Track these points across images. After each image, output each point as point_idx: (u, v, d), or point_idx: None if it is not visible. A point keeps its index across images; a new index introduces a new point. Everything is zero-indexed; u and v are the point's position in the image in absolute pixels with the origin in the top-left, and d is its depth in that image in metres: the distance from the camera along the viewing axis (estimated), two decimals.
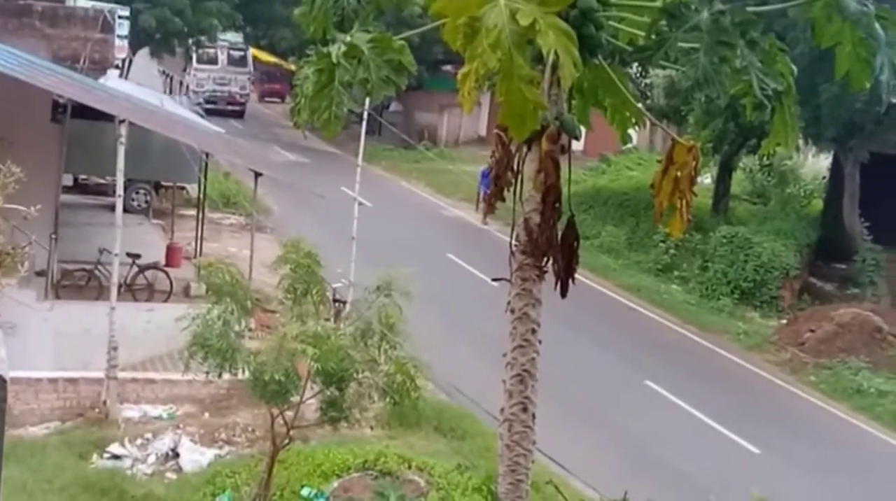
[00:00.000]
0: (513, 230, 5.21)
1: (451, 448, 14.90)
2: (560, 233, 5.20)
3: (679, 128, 27.60)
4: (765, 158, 31.12)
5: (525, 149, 5.15)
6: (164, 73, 49.68)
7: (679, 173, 5.40)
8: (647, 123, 6.25)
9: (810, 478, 15.96)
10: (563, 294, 5.18)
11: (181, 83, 49.64)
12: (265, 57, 54.27)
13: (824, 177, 30.47)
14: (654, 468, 15.76)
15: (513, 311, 5.19)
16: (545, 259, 5.10)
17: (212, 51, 49.73)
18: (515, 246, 5.21)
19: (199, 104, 41.03)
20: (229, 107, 48.68)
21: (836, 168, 27.92)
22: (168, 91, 44.68)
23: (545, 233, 4.95)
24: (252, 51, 52.44)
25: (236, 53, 50.94)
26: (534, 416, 4.98)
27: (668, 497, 13.11)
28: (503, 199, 5.41)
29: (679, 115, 27.87)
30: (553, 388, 17.10)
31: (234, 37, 50.86)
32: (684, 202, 5.46)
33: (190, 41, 45.26)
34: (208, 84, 49.49)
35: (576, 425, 17.03)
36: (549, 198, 4.92)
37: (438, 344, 18.00)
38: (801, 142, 26.99)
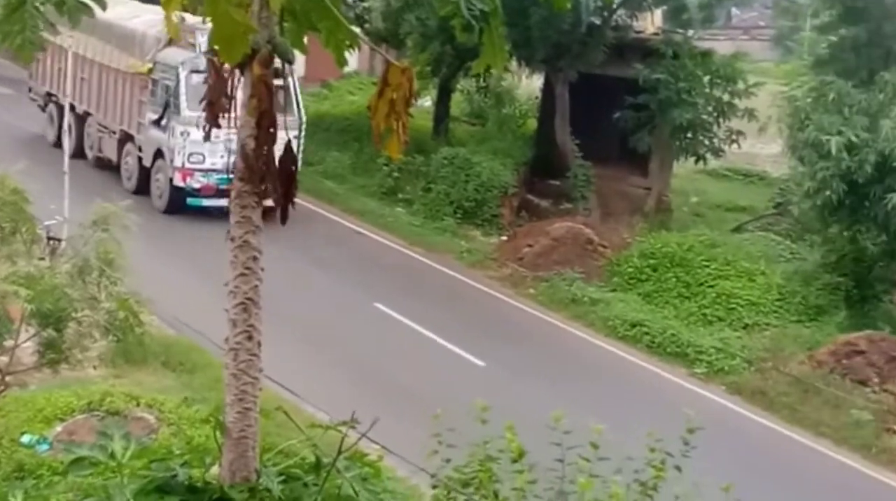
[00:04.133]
0: (228, 157, 5.10)
1: (181, 382, 14.66)
2: (278, 159, 5.13)
3: (398, 52, 27.84)
4: (482, 80, 31.95)
5: (238, 73, 5.02)
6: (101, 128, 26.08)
7: (394, 95, 5.42)
8: (368, 48, 6.25)
9: (532, 385, 16.79)
10: (283, 220, 5.14)
11: (131, 139, 24.87)
12: None
13: (537, 98, 31.64)
14: (384, 387, 16.12)
15: (233, 240, 5.09)
16: (263, 185, 5.02)
17: None
18: (233, 173, 5.10)
19: (190, 193, 23.02)
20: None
21: (547, 88, 29.03)
22: (116, 156, 25.35)
23: (261, 158, 4.87)
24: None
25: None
26: (259, 344, 4.93)
27: (397, 415, 13.44)
28: (219, 126, 5.29)
29: (397, 39, 28.07)
30: (282, 315, 17.09)
31: None
32: (401, 124, 5.49)
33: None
34: (214, 154, 22.33)
35: (306, 350, 17.13)
36: (263, 124, 4.83)
37: (162, 277, 17.57)
38: (514, 63, 27.88)
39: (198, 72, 21.61)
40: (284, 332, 16.70)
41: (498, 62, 5.39)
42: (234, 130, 18.20)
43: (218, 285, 5.14)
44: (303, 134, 24.21)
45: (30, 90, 29.32)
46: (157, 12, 25.63)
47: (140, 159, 24.43)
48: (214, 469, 4.86)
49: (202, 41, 20.88)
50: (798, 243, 24.68)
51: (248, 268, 5.01)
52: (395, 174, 27.37)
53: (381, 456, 6.38)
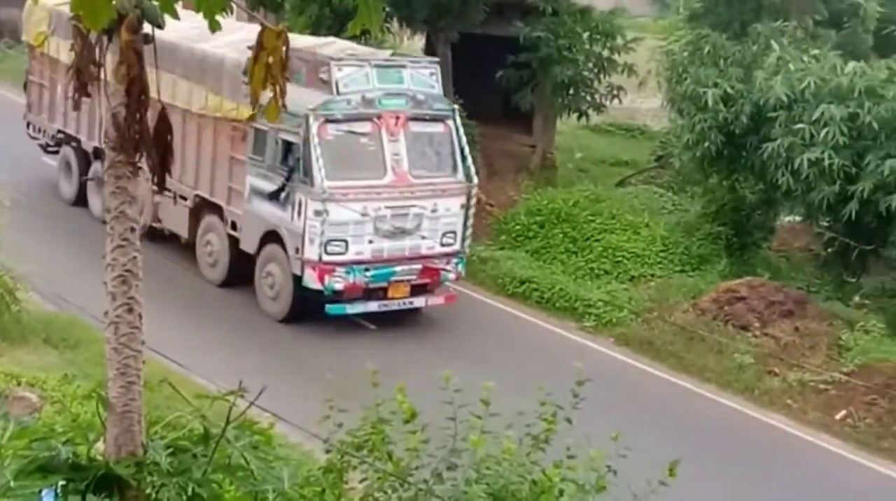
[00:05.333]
0: (101, 127, 4.98)
1: (64, 359, 14.30)
2: (153, 127, 5.03)
3: (277, 16, 27.42)
4: (363, 42, 31.65)
5: (106, 40, 4.89)
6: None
7: (270, 59, 5.34)
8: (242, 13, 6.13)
9: (424, 346, 16.88)
10: (161, 188, 5.05)
11: (217, 211, 18.13)
12: None
13: None
14: (275, 355, 15.99)
15: (108, 211, 4.98)
16: (138, 154, 4.92)
17: (364, 124, 16.44)
18: (106, 142, 4.98)
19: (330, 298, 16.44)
20: (408, 302, 17.26)
21: (429, 49, 28.95)
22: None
23: (134, 127, 4.75)
24: None
25: (427, 130, 17.29)
26: (141, 316, 4.85)
27: (291, 383, 13.40)
28: (88, 95, 5.15)
29: (275, 2, 27.64)
30: (164, 288, 16.82)
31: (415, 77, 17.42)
32: (278, 88, 5.43)
33: None
34: (360, 238, 16.28)
35: (191, 322, 16.89)
36: (133, 91, 4.71)
37: (41, 253, 17.12)
38: (395, 24, 27.72)
39: (336, 121, 16.08)
40: (168, 304, 16.46)
41: (373, 24, 5.33)
42: (385, 205, 14.98)
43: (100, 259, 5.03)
44: (473, 200, 17.70)
45: (28, 126, 22.76)
46: (250, 30, 17.00)
47: (233, 239, 17.71)
48: (99, 445, 4.78)
49: (340, 77, 16.12)
50: (680, 195, 25.23)
51: (125, 240, 4.91)
52: None
53: (272, 424, 6.35)
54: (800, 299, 19.04)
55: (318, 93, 16.16)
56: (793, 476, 14.25)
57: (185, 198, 18.52)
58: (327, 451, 6.83)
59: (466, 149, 17.61)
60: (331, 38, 18.18)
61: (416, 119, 16.74)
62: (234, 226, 17.59)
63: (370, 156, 16.22)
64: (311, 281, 16.11)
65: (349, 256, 16.12)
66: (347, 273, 16.08)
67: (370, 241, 16.22)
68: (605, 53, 26.26)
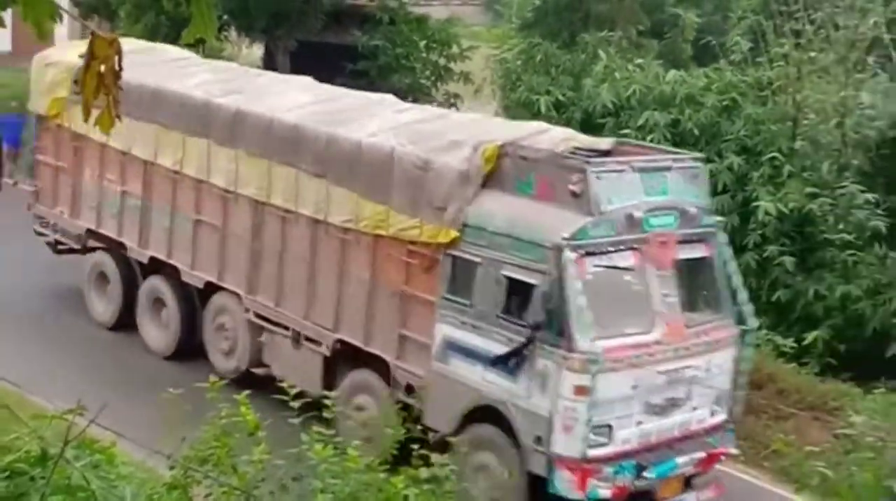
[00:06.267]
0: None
1: None
2: None
3: (112, 24, 26.79)
4: (200, 51, 31.23)
5: None
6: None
7: (102, 68, 5.27)
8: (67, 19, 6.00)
9: None
10: None
11: (377, 366, 12.45)
12: None
13: (259, 67, 31.31)
14: (115, 372, 15.64)
15: None
16: None
17: (626, 255, 11.16)
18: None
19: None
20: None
21: (268, 58, 28.80)
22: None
23: None
24: None
25: (693, 255, 11.78)
26: None
27: (135, 399, 13.14)
28: None
29: (110, 10, 27.01)
30: None
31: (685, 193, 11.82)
32: (111, 98, 5.35)
33: None
34: (627, 418, 10.83)
35: (29, 342, 16.35)
36: None
37: None
38: (234, 33, 27.50)
39: (598, 254, 11.00)
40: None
41: (208, 32, 5.32)
42: (657, 370, 10.86)
43: None
44: (750, 352, 12.25)
45: (39, 220, 17.75)
46: (416, 111, 14.88)
47: (404, 406, 11.80)
48: None
49: (600, 190, 10.99)
50: None
51: None
52: None
53: (114, 442, 6.23)
54: None
55: (563, 212, 11.07)
56: None
57: (315, 342, 13.33)
58: (171, 467, 6.75)
59: (738, 279, 12.28)
60: (543, 125, 13.87)
61: (683, 242, 11.75)
62: (408, 390, 12.27)
63: (635, 300, 11.35)
64: (565, 486, 10.61)
65: (615, 447, 10.85)
66: (615, 472, 10.82)
67: (638, 422, 11.06)
68: (442, 62, 26.64)
